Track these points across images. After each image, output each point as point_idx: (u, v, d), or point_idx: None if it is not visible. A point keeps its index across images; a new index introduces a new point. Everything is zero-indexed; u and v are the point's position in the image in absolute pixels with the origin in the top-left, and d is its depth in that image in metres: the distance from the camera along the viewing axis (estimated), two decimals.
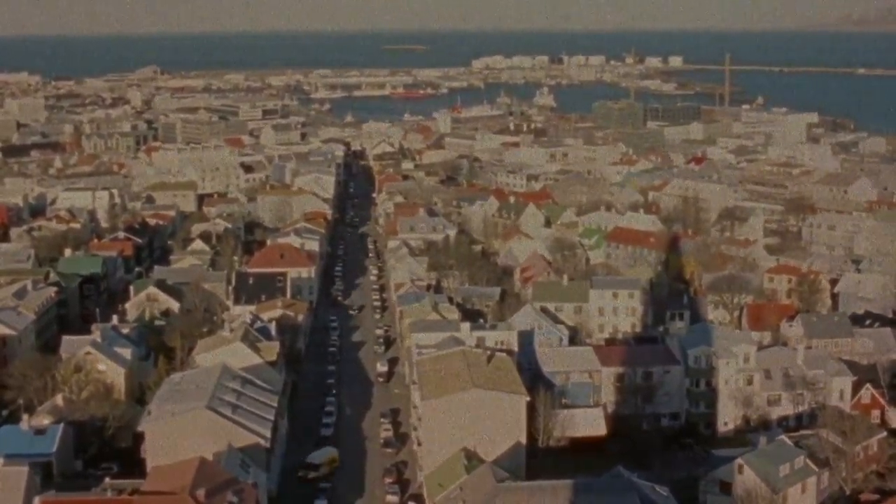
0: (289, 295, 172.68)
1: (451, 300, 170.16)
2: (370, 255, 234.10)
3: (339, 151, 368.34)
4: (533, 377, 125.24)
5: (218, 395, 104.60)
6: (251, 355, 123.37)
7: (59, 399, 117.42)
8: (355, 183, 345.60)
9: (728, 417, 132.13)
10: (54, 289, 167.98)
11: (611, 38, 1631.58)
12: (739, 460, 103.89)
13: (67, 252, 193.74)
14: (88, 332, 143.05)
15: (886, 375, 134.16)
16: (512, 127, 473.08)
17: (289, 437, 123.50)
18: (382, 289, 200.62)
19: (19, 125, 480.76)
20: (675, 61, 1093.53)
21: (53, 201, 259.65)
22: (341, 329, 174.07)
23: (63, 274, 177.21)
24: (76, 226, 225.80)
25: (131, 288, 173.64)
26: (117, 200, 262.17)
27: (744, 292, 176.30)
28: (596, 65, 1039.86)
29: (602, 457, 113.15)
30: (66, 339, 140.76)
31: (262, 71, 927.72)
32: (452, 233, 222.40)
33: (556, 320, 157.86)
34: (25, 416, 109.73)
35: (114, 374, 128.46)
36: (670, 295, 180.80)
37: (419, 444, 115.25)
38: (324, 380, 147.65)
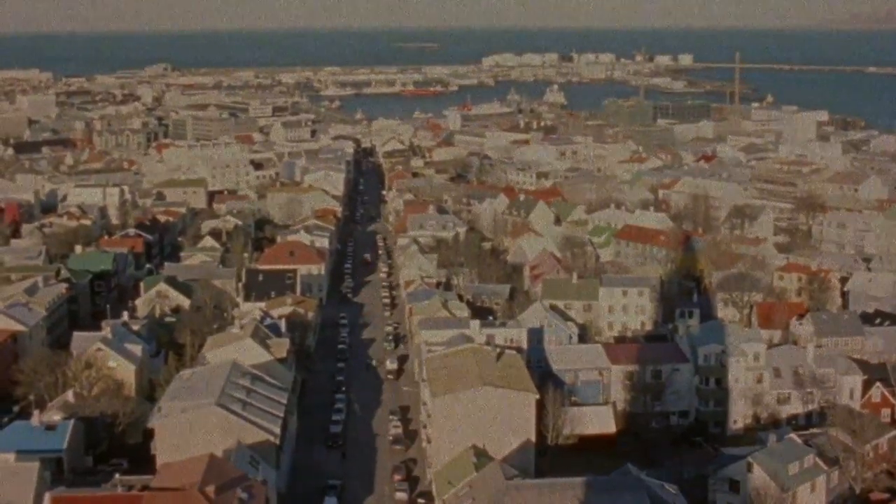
0: (299, 292, 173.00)
1: (460, 297, 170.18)
2: (380, 252, 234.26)
3: (349, 149, 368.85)
4: (542, 375, 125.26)
5: (228, 391, 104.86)
6: (261, 352, 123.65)
7: (69, 395, 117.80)
8: (365, 180, 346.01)
9: (738, 416, 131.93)
10: (65, 285, 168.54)
11: (621, 35, 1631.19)
12: (749, 459, 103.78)
13: (78, 249, 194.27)
14: (99, 328, 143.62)
15: None
16: (522, 124, 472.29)
17: (298, 434, 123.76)
18: (392, 286, 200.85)
19: (31, 122, 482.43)
20: (685, 59, 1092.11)
21: (64, 198, 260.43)
22: (351, 326, 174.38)
23: (74, 270, 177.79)
24: (87, 222, 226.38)
25: (142, 284, 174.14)
26: (128, 197, 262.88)
27: (754, 290, 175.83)
28: (606, 62, 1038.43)
29: (611, 455, 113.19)
30: (76, 335, 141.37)
31: (272, 68, 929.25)
32: (462, 230, 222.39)
33: (566, 318, 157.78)
34: (36, 412, 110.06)
35: (124, 370, 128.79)
36: (680, 293, 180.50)
37: (428, 442, 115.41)
38: (333, 377, 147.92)
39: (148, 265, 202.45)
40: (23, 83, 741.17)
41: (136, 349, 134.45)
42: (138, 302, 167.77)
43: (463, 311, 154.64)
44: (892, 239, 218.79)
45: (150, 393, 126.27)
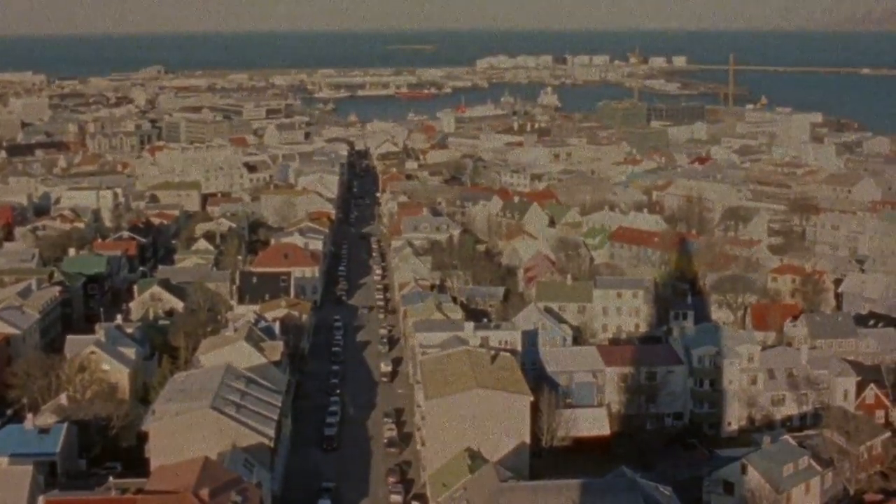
0: (293, 294, 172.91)
1: (454, 300, 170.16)
2: (374, 254, 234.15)
3: (343, 151, 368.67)
4: (537, 377, 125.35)
5: (222, 394, 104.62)
6: (255, 355, 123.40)
7: (63, 398, 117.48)
8: (359, 183, 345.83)
9: (732, 417, 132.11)
10: (58, 288, 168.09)
11: (615, 37, 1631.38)
12: (743, 460, 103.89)
13: (72, 251, 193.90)
14: (92, 331, 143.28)
15: (890, 376, 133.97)
16: (516, 127, 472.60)
17: (293, 436, 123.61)
18: (386, 289, 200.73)
19: (24, 124, 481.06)
20: (679, 61, 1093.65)
21: (58, 201, 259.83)
22: (345, 329, 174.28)
23: (67, 273, 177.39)
24: (80, 225, 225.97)
25: (135, 287, 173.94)
26: (121, 200, 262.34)
27: (748, 292, 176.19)
28: (600, 64, 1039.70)
29: (606, 457, 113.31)
30: (70, 338, 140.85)
31: (266, 70, 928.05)
32: (456, 232, 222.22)
33: (560, 320, 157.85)
34: (30, 416, 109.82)
35: (118, 373, 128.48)
36: (674, 295, 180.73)
37: (423, 444, 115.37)
38: (328, 379, 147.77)
39: (141, 268, 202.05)
40: (15, 86, 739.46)
41: (130, 352, 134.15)
42: (132, 305, 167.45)
43: (457, 314, 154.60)
44: (885, 240, 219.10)
45: (143, 396, 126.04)
